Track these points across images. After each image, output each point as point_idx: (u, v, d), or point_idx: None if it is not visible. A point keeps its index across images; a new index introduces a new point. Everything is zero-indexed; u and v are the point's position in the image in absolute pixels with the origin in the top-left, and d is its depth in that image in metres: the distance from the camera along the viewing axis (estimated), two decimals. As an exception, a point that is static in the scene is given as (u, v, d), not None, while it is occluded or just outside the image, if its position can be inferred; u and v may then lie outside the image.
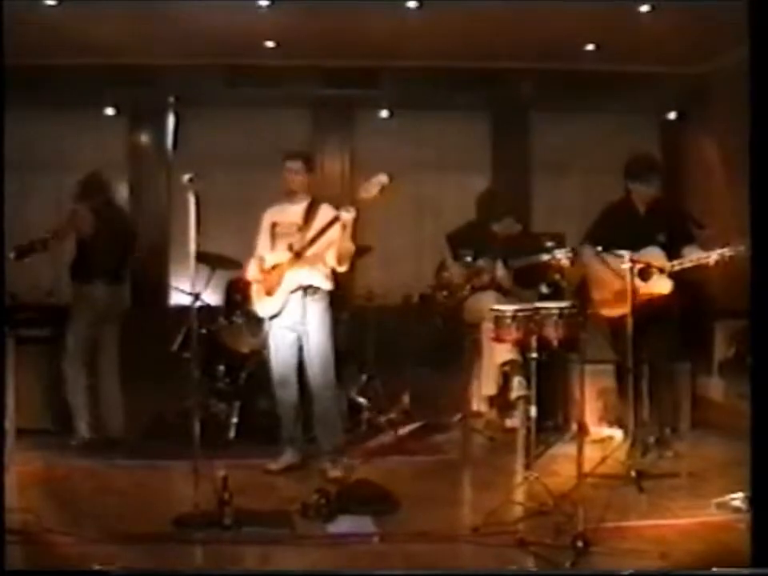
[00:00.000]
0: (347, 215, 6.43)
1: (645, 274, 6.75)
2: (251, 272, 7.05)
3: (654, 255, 6.82)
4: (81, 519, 5.60)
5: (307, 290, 6.76)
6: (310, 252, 6.69)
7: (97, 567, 4.78)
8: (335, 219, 6.53)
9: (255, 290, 7.04)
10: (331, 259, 6.76)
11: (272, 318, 6.92)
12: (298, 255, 6.69)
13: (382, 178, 6.31)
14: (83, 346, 7.70)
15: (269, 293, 6.88)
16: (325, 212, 6.85)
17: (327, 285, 6.88)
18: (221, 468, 5.63)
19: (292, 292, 6.77)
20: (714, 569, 4.43)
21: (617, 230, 7.11)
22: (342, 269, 6.82)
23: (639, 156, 7.46)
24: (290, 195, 7.01)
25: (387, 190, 6.31)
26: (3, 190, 6.37)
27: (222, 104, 12.27)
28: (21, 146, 11.89)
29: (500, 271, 7.92)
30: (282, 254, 6.81)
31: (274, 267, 6.85)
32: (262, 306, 7.00)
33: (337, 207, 6.75)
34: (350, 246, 6.71)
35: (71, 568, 4.87)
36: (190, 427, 5.82)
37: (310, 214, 6.88)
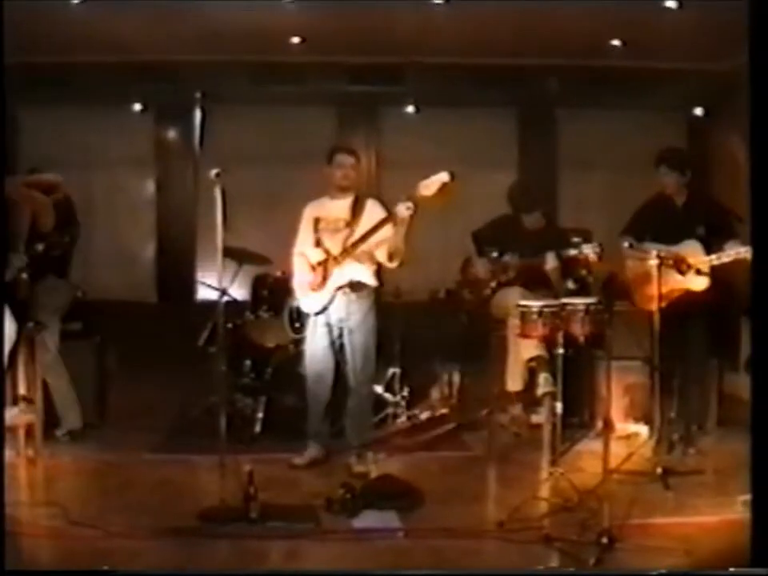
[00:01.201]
0: (406, 211, 6.42)
1: (682, 269, 6.69)
2: (298, 268, 7.05)
3: (692, 249, 6.78)
4: (107, 513, 5.63)
5: (354, 286, 6.77)
6: (360, 249, 6.71)
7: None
8: (388, 218, 6.54)
9: (299, 286, 7.05)
10: (382, 256, 6.76)
11: (317, 313, 6.93)
12: (347, 251, 6.71)
13: (443, 176, 6.32)
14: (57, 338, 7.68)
15: (314, 288, 6.89)
16: (372, 207, 6.86)
17: (374, 281, 6.89)
18: (247, 463, 5.65)
19: (339, 288, 6.78)
20: (732, 569, 4.41)
21: (655, 223, 7.09)
22: (393, 265, 6.81)
23: (671, 147, 7.48)
24: (338, 191, 6.99)
25: (447, 189, 6.33)
26: (3, 190, 6.42)
27: (247, 100, 12.29)
28: (47, 142, 12.01)
29: (550, 263, 7.79)
30: (328, 250, 6.83)
31: (319, 263, 6.87)
32: (306, 302, 7.00)
33: (384, 203, 6.77)
34: (402, 243, 6.69)
35: (96, 562, 4.88)
36: (216, 422, 5.86)
37: (356, 209, 6.87)
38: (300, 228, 7.12)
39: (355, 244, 6.69)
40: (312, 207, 7.11)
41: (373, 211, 6.81)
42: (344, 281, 6.76)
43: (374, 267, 6.85)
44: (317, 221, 7.01)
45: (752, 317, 4.45)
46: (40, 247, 6.95)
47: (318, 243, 6.95)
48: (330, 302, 6.83)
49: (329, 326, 6.91)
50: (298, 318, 7.60)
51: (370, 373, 6.99)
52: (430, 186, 6.33)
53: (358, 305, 6.79)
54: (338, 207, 6.95)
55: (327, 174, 6.99)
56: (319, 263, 6.87)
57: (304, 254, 7.01)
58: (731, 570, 4.38)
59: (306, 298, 7.00)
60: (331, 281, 6.79)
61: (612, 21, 10.16)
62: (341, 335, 6.88)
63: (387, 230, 6.60)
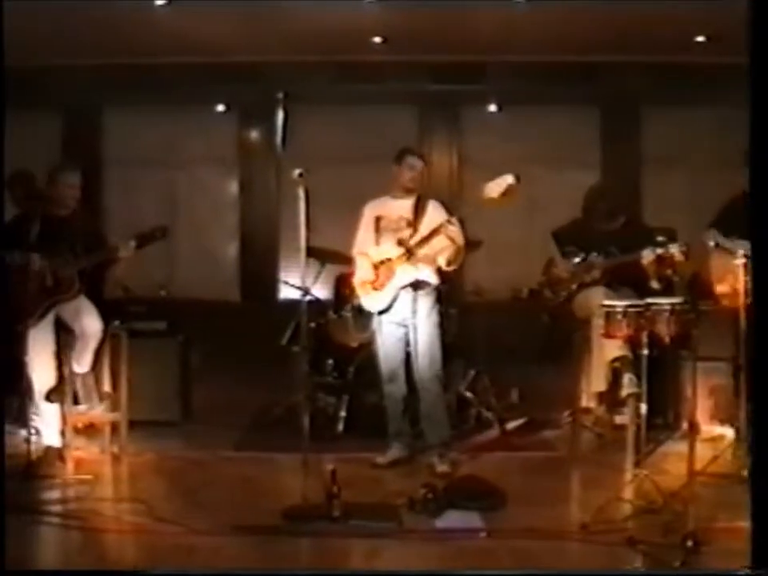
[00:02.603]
0: (453, 228, 6.49)
1: None
2: (361, 267, 7.06)
3: None
4: (190, 510, 5.71)
5: (416, 285, 6.76)
6: (422, 251, 6.70)
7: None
8: (439, 228, 6.54)
9: (361, 285, 7.06)
10: (441, 261, 6.77)
11: (381, 313, 6.95)
12: (410, 251, 6.71)
13: (509, 179, 6.24)
14: None
15: (377, 288, 6.90)
16: (434, 209, 6.85)
17: (436, 280, 6.88)
18: (329, 461, 5.69)
19: (402, 287, 6.79)
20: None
21: (744, 220, 6.98)
22: (450, 269, 6.83)
23: None
24: (403, 191, 6.98)
25: (513, 190, 6.29)
26: (3, 188, 6.50)
27: (330, 100, 12.33)
28: (132, 142, 12.19)
29: (648, 257, 7.03)
30: (390, 249, 6.82)
31: (382, 262, 6.88)
32: (369, 301, 7.01)
33: (446, 204, 6.77)
34: (459, 251, 6.70)
35: (179, 560, 4.95)
36: (298, 421, 5.90)
37: (419, 210, 6.87)
38: (360, 227, 7.14)
39: (418, 245, 6.69)
40: (373, 206, 7.12)
41: (434, 213, 6.81)
42: (407, 280, 6.77)
43: (435, 267, 6.84)
44: (378, 219, 7.01)
45: (752, 317, 4.38)
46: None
47: (380, 242, 6.96)
48: (394, 300, 6.84)
49: (396, 324, 6.92)
50: (365, 317, 7.59)
51: (438, 371, 6.93)
52: (495, 188, 6.27)
53: (422, 302, 6.78)
54: (401, 206, 6.95)
55: (395, 174, 6.99)
56: (381, 262, 6.88)
57: (366, 253, 7.03)
58: (731, 570, 4.35)
59: (368, 297, 7.01)
60: (394, 279, 6.80)
61: (696, 17, 10.03)
62: (407, 333, 6.89)
63: (446, 240, 6.64)
